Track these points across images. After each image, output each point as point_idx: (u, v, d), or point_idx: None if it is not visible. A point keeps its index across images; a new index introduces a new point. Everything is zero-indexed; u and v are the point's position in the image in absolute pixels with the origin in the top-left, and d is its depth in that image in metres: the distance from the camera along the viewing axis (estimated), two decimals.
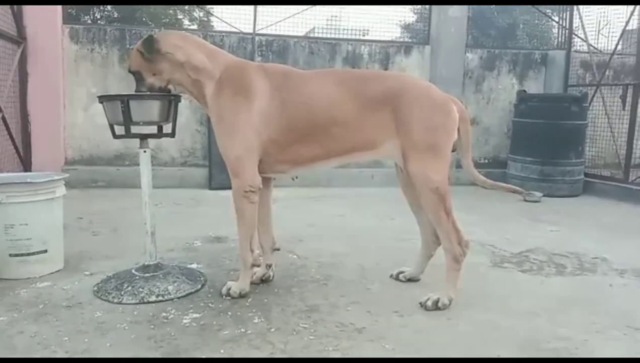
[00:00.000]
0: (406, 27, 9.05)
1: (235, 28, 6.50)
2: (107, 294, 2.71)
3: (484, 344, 2.29)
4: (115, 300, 2.66)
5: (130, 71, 2.78)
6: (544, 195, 5.99)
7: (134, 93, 2.70)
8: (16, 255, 2.94)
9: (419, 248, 3.11)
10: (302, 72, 2.89)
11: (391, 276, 3.12)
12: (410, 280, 3.06)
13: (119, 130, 2.78)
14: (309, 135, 2.70)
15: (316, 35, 7.25)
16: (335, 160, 2.79)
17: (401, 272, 3.10)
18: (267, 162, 2.75)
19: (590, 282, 3.19)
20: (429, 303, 2.66)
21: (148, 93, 2.71)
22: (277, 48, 6.48)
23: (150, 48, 2.67)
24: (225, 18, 6.67)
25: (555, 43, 7.79)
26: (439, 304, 2.65)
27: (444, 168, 2.68)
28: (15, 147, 5.35)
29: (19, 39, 5.46)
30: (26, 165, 5.60)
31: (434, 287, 2.84)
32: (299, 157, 2.76)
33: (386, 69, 6.77)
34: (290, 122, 2.68)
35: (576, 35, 7.33)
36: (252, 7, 6.46)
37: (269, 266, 2.99)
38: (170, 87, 2.79)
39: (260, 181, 2.72)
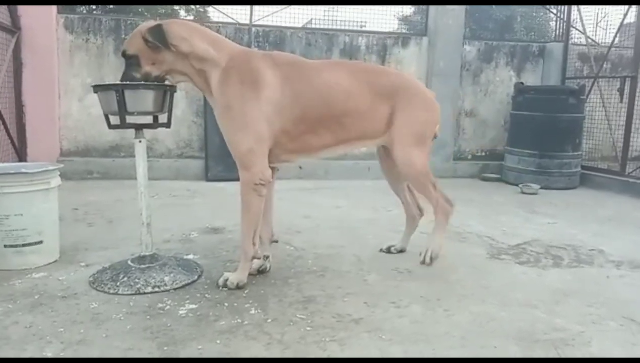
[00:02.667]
0: (404, 19, 9.01)
1: (232, 19, 6.46)
2: (102, 285, 2.70)
3: (481, 335, 2.29)
4: (111, 291, 2.64)
5: (125, 55, 2.67)
6: (541, 188, 6.00)
7: (128, 82, 2.64)
8: (11, 246, 2.92)
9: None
10: (311, 62, 2.90)
11: (381, 250, 3.42)
12: (400, 251, 3.40)
13: (114, 120, 2.75)
14: (322, 125, 2.76)
15: (314, 26, 7.22)
16: (342, 147, 2.90)
17: (392, 246, 3.42)
18: (274, 153, 2.75)
19: (587, 273, 3.19)
20: (427, 259, 3.02)
21: (142, 83, 2.63)
22: (274, 39, 6.44)
23: (162, 38, 2.56)
24: (221, 9, 6.62)
25: (553, 35, 7.77)
26: (433, 256, 3.03)
27: (427, 155, 3.00)
28: (10, 138, 5.31)
29: (14, 28, 5.40)
30: (21, 156, 5.56)
31: (430, 281, 2.91)
32: (308, 147, 2.81)
33: (383, 60, 6.75)
34: (304, 112, 2.69)
35: (574, 27, 7.31)
36: None
37: (265, 257, 2.98)
38: (168, 77, 2.73)
39: (270, 174, 2.71)
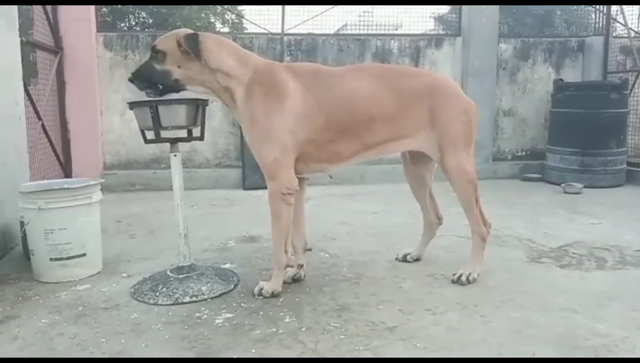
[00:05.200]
0: (439, 19, 8.93)
1: (264, 29, 6.54)
2: (143, 295, 2.78)
3: (519, 342, 2.24)
4: (151, 301, 2.71)
5: (154, 49, 2.62)
6: (584, 187, 5.81)
7: (162, 99, 2.71)
8: (56, 259, 3.03)
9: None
10: (333, 69, 2.90)
11: (397, 259, 3.36)
12: (416, 260, 3.33)
13: (150, 135, 2.84)
14: (347, 132, 2.74)
15: (348, 31, 7.23)
16: (372, 152, 2.86)
17: (407, 254, 3.34)
18: (305, 162, 2.76)
19: (633, 276, 3.07)
20: (463, 279, 2.91)
21: (175, 98, 2.70)
22: (305, 47, 6.48)
23: (196, 49, 2.56)
24: (255, 20, 6.72)
25: (594, 29, 7.53)
26: (470, 278, 2.91)
27: (473, 160, 2.94)
28: (56, 154, 5.54)
29: (56, 49, 5.64)
30: (67, 172, 5.79)
31: (467, 286, 2.90)
32: (338, 155, 2.80)
33: (417, 63, 6.69)
34: (327, 120, 2.70)
35: (615, 20, 7.07)
36: (281, 7, 6.47)
37: (300, 266, 3.00)
38: (188, 86, 2.68)
39: (297, 183, 2.72)
